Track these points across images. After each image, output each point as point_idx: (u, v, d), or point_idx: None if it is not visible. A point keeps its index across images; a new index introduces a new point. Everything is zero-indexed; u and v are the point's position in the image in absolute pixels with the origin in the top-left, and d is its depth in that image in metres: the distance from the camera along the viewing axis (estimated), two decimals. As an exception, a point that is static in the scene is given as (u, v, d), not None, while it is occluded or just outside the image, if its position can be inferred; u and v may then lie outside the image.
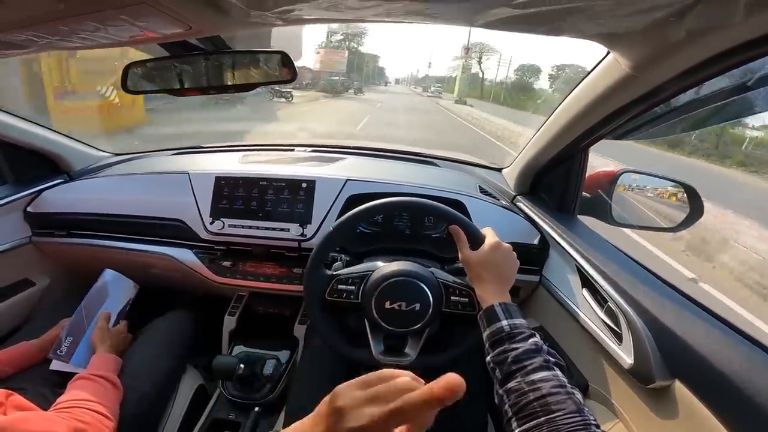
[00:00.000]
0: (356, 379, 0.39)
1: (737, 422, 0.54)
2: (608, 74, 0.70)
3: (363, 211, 0.86)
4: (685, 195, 1.07)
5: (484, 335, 0.69)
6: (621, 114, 0.77)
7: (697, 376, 0.61)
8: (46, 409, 0.76)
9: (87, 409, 0.76)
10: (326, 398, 0.39)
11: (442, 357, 0.88)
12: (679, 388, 0.63)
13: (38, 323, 1.12)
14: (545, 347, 0.64)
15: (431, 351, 0.88)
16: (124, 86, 0.72)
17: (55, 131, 1.28)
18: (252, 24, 0.55)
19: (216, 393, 1.22)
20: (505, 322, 0.67)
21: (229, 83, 0.76)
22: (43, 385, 0.94)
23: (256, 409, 1.16)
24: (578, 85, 0.83)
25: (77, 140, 1.38)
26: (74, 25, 0.49)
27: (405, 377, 0.37)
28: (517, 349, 0.62)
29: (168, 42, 0.68)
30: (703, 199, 1.04)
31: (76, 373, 0.89)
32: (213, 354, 1.15)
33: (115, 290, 1.15)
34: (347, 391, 0.38)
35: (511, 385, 0.59)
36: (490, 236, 0.81)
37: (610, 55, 0.66)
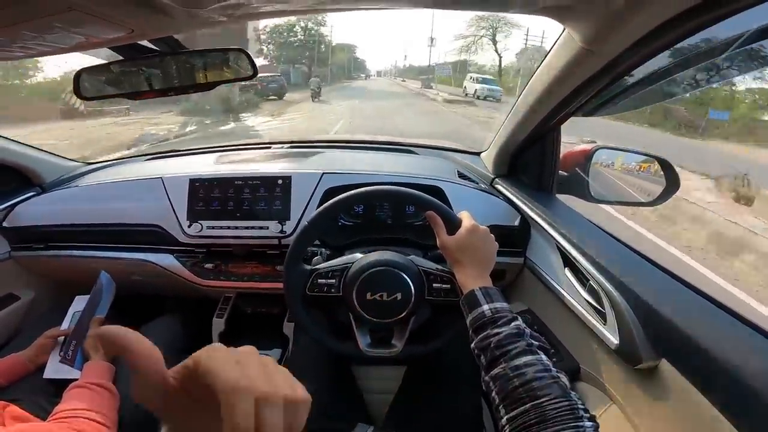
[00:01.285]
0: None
1: (725, 400, 0.53)
2: (565, 51, 0.69)
3: (335, 203, 0.85)
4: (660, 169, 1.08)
5: (467, 321, 0.69)
6: (584, 90, 0.77)
7: (684, 354, 0.60)
8: (43, 419, 0.76)
9: (85, 418, 0.76)
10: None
11: (429, 346, 0.88)
12: (667, 367, 0.63)
13: (26, 336, 1.10)
14: (528, 330, 0.63)
15: (419, 340, 0.88)
16: (77, 93, 0.71)
17: (23, 144, 1.26)
18: (198, 23, 0.54)
19: None
20: (486, 307, 0.66)
21: (188, 84, 0.75)
22: (38, 395, 0.93)
23: None
24: (540, 65, 0.82)
25: (47, 152, 1.36)
26: (12, 35, 0.48)
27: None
28: (499, 334, 0.61)
29: (118, 46, 0.66)
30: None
31: (71, 380, 0.88)
32: None
33: (107, 294, 1.14)
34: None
35: (495, 371, 0.59)
36: (466, 220, 0.80)
37: (565, 31, 0.66)
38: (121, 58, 0.70)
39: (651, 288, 0.69)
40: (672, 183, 1.06)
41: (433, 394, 0.97)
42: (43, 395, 0.94)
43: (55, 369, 1.00)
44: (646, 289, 0.69)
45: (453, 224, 0.80)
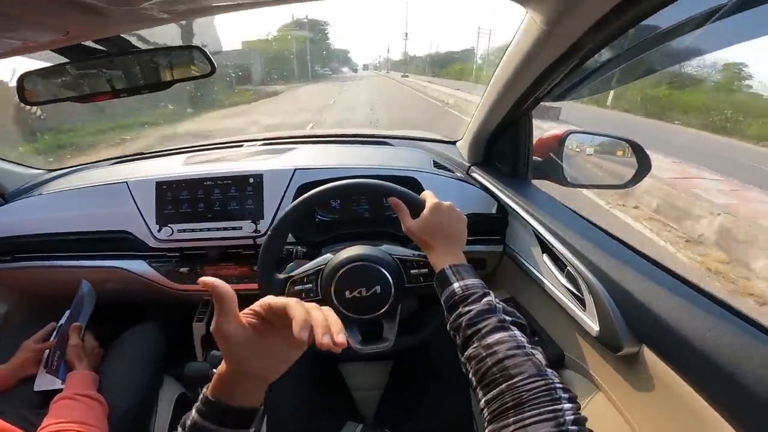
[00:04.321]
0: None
1: (705, 384, 0.53)
2: (528, 34, 0.68)
3: (295, 208, 0.82)
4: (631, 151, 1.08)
5: (442, 301, 0.66)
6: (551, 74, 0.76)
7: (663, 340, 0.60)
8: None
9: (73, 430, 0.74)
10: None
11: (420, 335, 0.87)
12: (648, 353, 0.62)
13: (4, 349, 1.06)
14: (500, 305, 0.59)
15: (409, 331, 0.86)
16: (22, 98, 0.67)
17: None
18: (137, 22, 0.51)
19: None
20: (456, 285, 0.63)
21: (141, 84, 0.72)
22: (23, 407, 0.91)
23: None
24: (506, 50, 0.81)
25: (6, 160, 1.31)
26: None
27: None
28: (470, 311, 0.59)
29: (62, 48, 0.63)
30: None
31: (57, 391, 0.87)
32: (189, 362, 1.12)
33: (88, 302, 1.12)
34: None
35: (469, 351, 0.56)
36: (429, 199, 0.77)
37: (527, 14, 0.65)
38: (66, 60, 0.67)
39: (629, 273, 0.68)
40: (643, 165, 1.06)
41: (421, 387, 0.96)
42: (27, 407, 0.91)
43: (43, 381, 0.98)
44: (623, 274, 0.69)
45: (417, 207, 0.77)
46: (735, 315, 0.56)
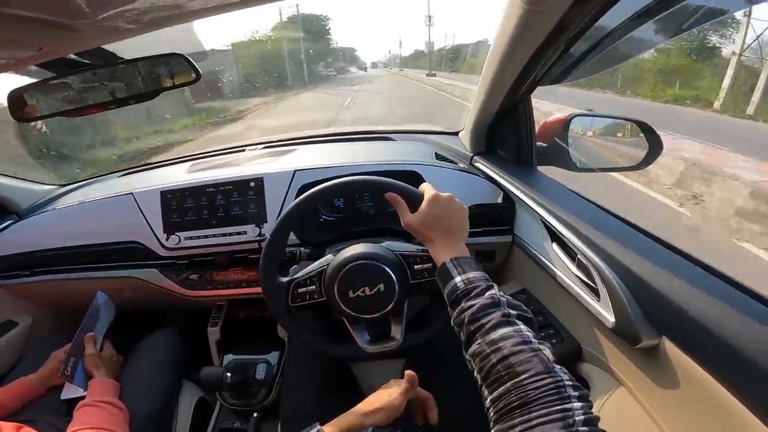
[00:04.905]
0: None
1: (730, 376, 0.50)
2: (512, 16, 0.66)
3: (290, 212, 0.82)
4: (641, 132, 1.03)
5: (444, 296, 0.63)
6: (542, 55, 0.73)
7: (684, 331, 0.56)
8: None
9: None
10: None
11: (427, 332, 0.85)
12: (669, 345, 0.59)
13: (31, 360, 1.11)
14: (504, 299, 0.57)
15: (417, 328, 0.85)
16: (14, 114, 0.69)
17: None
18: (109, 34, 0.51)
19: (217, 404, 1.22)
20: (458, 279, 0.61)
21: (128, 95, 0.72)
22: (52, 415, 0.94)
23: (255, 415, 1.17)
24: (496, 35, 0.78)
25: (19, 178, 1.35)
26: None
27: None
28: (473, 306, 0.56)
29: (44, 63, 0.64)
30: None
31: (80, 398, 0.89)
32: (207, 366, 1.14)
33: (104, 313, 1.15)
34: None
35: (473, 348, 0.53)
36: (427, 192, 0.74)
37: None
38: (52, 74, 0.68)
39: (643, 260, 0.64)
40: (654, 145, 1.01)
41: (434, 383, 0.95)
42: (57, 416, 0.95)
43: (69, 390, 1.01)
44: (637, 261, 0.65)
45: (415, 200, 0.74)
46: (761, 302, 0.53)
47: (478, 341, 0.53)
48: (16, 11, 0.38)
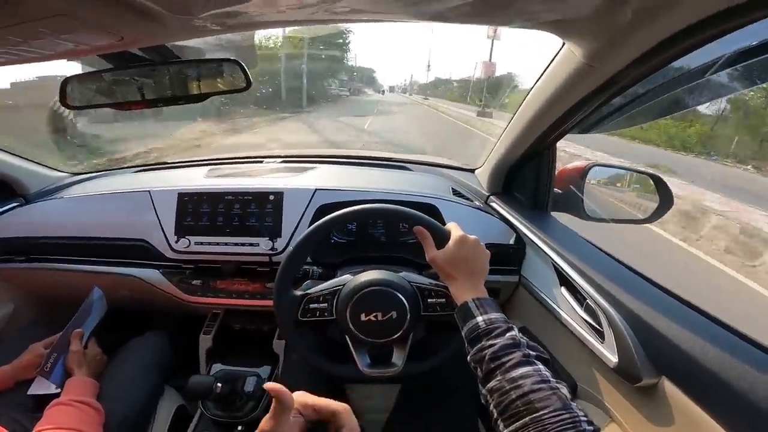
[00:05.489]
0: None
1: (727, 416, 0.52)
2: (565, 66, 0.69)
3: (321, 226, 0.83)
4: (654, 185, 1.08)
5: (463, 334, 0.67)
6: (582, 107, 0.77)
7: (684, 372, 0.60)
8: None
9: None
10: None
11: (429, 362, 0.86)
12: (667, 385, 0.62)
13: (6, 350, 1.06)
14: (524, 340, 0.61)
15: (418, 357, 0.86)
16: (63, 101, 0.69)
17: (5, 152, 1.23)
18: (190, 32, 0.52)
19: (197, 413, 1.18)
20: (480, 318, 0.64)
21: (179, 94, 0.73)
22: (17, 410, 0.90)
23: (239, 428, 1.12)
24: (538, 80, 0.82)
25: (33, 161, 1.33)
26: (-5, 41, 0.46)
27: None
28: (494, 345, 0.60)
29: (107, 54, 0.64)
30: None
31: (53, 396, 0.86)
32: (191, 374, 1.11)
33: (96, 309, 1.12)
34: None
35: (492, 384, 0.56)
36: (454, 231, 0.78)
37: (565, 46, 0.66)
38: (111, 66, 0.68)
39: (649, 306, 0.68)
40: (665, 199, 1.06)
41: (428, 411, 0.96)
42: (22, 411, 0.90)
43: (38, 385, 0.97)
44: (643, 307, 0.69)
45: (442, 237, 0.78)
46: (761, 349, 0.56)
47: (497, 378, 0.56)
48: None
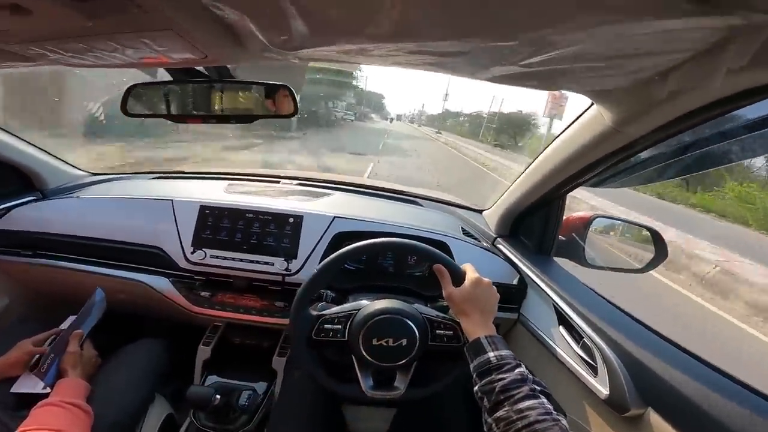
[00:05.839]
0: None
1: None
2: (591, 127, 0.75)
3: (351, 250, 0.88)
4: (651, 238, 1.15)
5: (471, 366, 0.73)
6: (600, 164, 0.83)
7: (668, 403, 0.68)
8: None
9: None
10: None
11: (430, 388, 0.90)
12: (653, 415, 0.69)
13: None
14: (531, 376, 0.67)
15: (419, 383, 0.90)
16: (124, 108, 0.72)
17: (33, 145, 1.24)
18: (266, 58, 0.57)
19: (186, 423, 1.16)
20: (491, 354, 0.71)
21: (231, 114, 0.77)
22: (1, 409, 0.88)
23: None
24: (561, 134, 0.88)
25: (55, 157, 1.33)
26: (92, 44, 0.50)
27: None
28: (504, 379, 0.66)
29: (176, 67, 0.69)
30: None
31: (38, 395, 0.85)
32: (183, 383, 1.10)
33: (96, 311, 1.11)
34: None
35: (499, 414, 0.63)
36: (470, 272, 0.86)
37: (594, 107, 0.72)
38: (170, 79, 0.72)
39: (640, 345, 0.77)
40: (660, 252, 1.13)
41: None
42: (3, 410, 0.88)
43: (24, 383, 0.95)
44: (635, 346, 0.77)
45: (459, 277, 0.86)
46: (740, 385, 0.64)
47: (505, 408, 0.63)
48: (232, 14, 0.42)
